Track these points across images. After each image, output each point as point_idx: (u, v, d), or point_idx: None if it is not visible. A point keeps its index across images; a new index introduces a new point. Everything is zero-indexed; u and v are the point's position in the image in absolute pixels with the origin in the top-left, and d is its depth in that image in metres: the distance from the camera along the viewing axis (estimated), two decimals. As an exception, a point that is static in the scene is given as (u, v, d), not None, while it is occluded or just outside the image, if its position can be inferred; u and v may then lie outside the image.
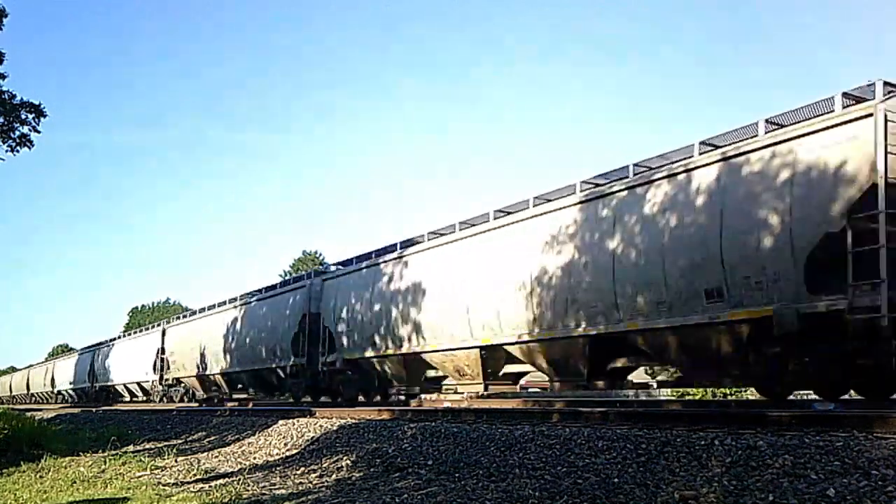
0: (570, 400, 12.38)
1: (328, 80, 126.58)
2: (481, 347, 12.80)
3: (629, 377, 11.99)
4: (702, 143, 9.68)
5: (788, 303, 8.21)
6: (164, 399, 28.41)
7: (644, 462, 5.71)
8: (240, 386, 23.84)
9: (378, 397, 18.02)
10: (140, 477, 8.58)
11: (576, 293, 10.83)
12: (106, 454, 10.98)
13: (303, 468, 8.17)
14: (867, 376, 8.64)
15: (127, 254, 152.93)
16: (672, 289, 9.46)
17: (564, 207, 11.39)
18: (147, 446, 12.25)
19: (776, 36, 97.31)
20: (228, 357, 23.06)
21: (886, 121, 7.63)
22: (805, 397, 11.08)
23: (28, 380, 54.61)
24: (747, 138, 9.08)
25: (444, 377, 15.51)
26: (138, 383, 31.38)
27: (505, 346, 12.36)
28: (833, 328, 7.98)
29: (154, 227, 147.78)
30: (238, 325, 22.82)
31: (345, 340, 16.78)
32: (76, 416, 23.37)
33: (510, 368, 13.45)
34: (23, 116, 15.17)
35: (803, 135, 8.30)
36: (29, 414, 21.65)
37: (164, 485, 7.80)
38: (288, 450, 9.66)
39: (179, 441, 13.09)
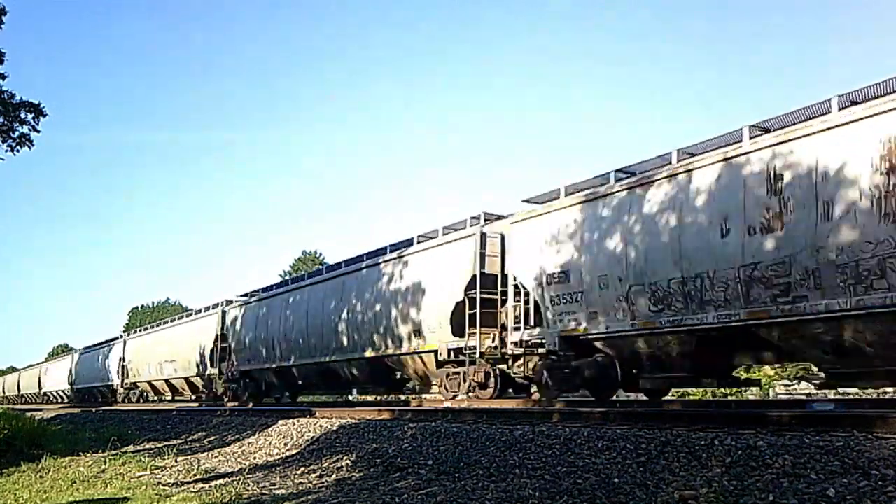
0: (569, 400, 12.36)
1: (328, 80, 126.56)
2: None
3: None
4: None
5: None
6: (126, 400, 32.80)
7: (644, 462, 5.71)
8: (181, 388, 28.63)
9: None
10: (140, 477, 8.58)
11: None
12: (106, 454, 10.98)
13: (303, 468, 8.16)
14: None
15: (127, 254, 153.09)
16: None
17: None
18: (147, 446, 12.24)
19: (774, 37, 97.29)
20: (169, 366, 28.65)
21: (484, 237, 13.59)
22: (802, 397, 11.10)
23: (19, 381, 60.20)
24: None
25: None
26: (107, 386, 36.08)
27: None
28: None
29: (154, 227, 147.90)
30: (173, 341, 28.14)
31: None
32: (76, 416, 23.35)
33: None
34: (22, 116, 15.16)
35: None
36: (29, 414, 21.65)
37: (164, 485, 7.80)
38: (288, 450, 9.66)
39: (179, 441, 13.09)
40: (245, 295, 24.26)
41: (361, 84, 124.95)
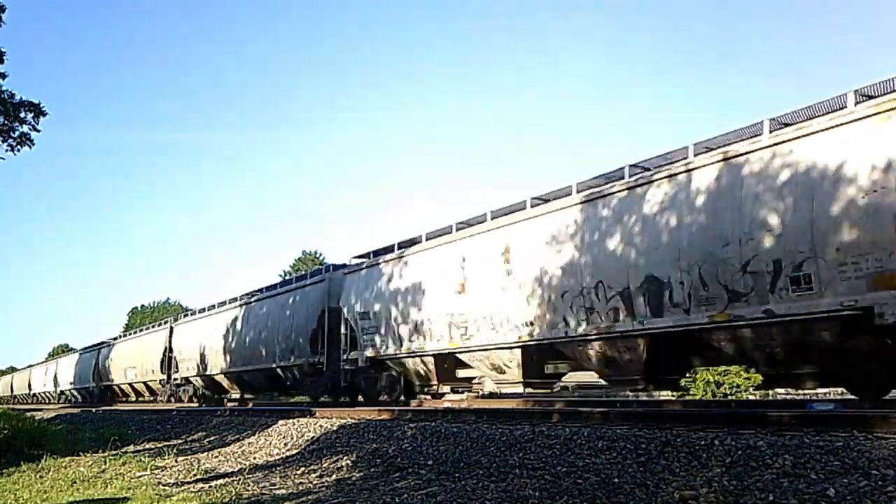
0: (570, 400, 12.37)
1: (328, 80, 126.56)
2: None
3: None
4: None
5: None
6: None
7: (644, 462, 5.71)
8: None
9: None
10: (140, 477, 8.57)
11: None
12: (106, 454, 10.98)
13: (303, 468, 8.16)
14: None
15: (127, 254, 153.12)
16: None
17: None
18: (147, 446, 12.24)
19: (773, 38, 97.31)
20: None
21: (331, 282, 19.29)
22: (804, 397, 11.10)
23: (12, 383, 65.44)
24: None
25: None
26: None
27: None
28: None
29: (154, 227, 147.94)
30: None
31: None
32: (76, 416, 23.36)
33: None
34: (22, 115, 15.16)
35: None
36: (29, 414, 21.66)
37: (164, 485, 7.79)
38: (288, 450, 9.66)
39: (179, 441, 13.09)
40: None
41: (361, 84, 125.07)
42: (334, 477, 7.41)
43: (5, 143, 15.16)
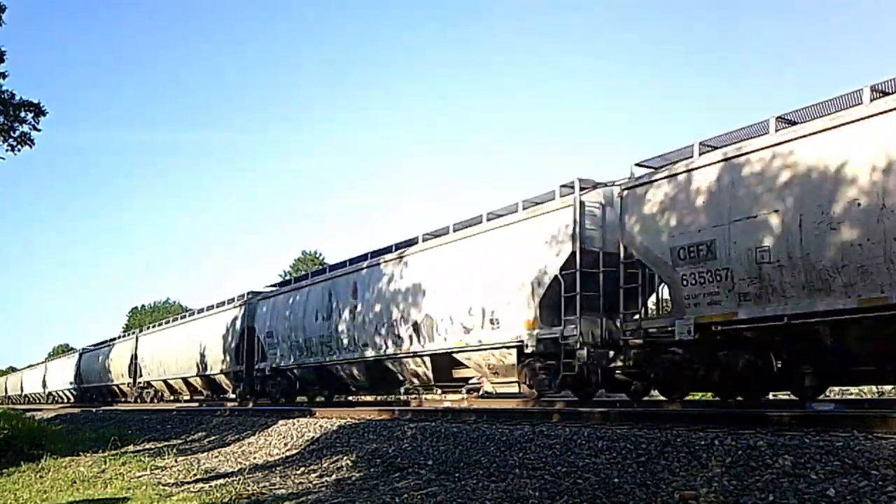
0: (570, 400, 12.35)
1: (328, 80, 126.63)
2: None
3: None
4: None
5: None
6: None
7: (644, 462, 5.71)
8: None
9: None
10: (140, 477, 8.58)
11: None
12: (106, 454, 10.98)
13: (303, 468, 8.16)
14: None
15: (127, 254, 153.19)
16: None
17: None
18: (147, 446, 12.24)
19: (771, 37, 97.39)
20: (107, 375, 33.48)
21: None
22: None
23: (6, 384, 70.22)
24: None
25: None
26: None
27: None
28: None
29: (154, 227, 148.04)
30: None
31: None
32: (76, 416, 23.37)
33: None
34: (22, 115, 15.17)
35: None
36: (28, 414, 21.66)
37: (164, 485, 7.80)
38: (288, 450, 9.66)
39: (179, 441, 13.09)
40: (156, 323, 32.98)
41: (361, 84, 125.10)
42: (334, 477, 7.41)
43: (5, 143, 15.19)
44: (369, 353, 16.43)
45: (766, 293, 8.85)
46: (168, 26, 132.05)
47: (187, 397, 29.76)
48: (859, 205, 7.96)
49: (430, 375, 14.66)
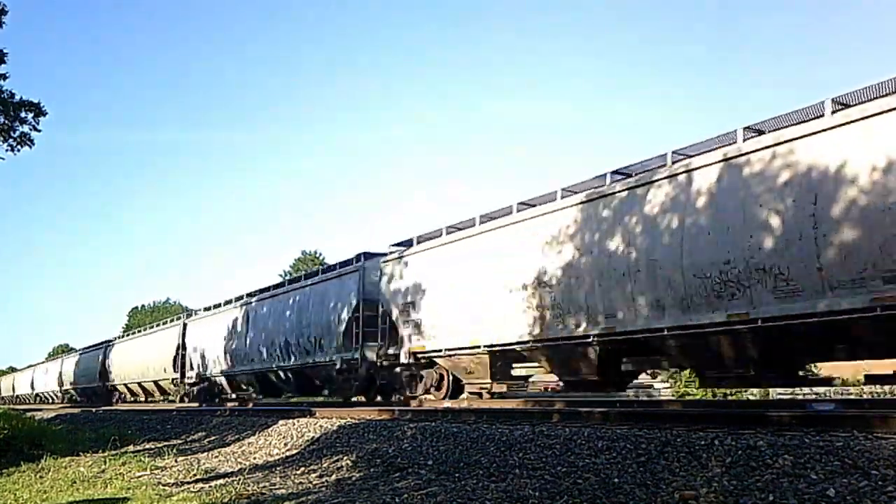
0: (570, 400, 12.37)
1: (328, 80, 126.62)
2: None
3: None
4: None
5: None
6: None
7: (644, 462, 5.71)
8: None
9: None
10: (140, 477, 8.58)
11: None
12: (106, 454, 10.98)
13: (303, 468, 8.16)
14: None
15: (127, 254, 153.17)
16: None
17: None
18: (147, 446, 12.24)
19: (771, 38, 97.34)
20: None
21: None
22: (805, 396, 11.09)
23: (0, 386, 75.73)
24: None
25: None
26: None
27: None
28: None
29: (154, 227, 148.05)
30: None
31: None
32: (76, 416, 23.36)
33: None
34: (22, 115, 15.16)
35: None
36: (29, 414, 21.66)
37: (164, 485, 7.80)
38: (288, 450, 9.66)
39: (179, 441, 13.09)
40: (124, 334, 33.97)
41: (361, 84, 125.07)
42: (334, 477, 7.41)
43: (5, 143, 15.18)
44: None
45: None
46: (168, 26, 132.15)
47: (142, 398, 33.73)
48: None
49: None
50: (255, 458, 9.60)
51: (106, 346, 38.07)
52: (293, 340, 19.96)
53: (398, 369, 15.68)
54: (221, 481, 7.61)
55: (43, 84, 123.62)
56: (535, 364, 12.72)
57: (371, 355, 16.38)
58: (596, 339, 10.85)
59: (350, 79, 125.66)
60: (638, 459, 5.79)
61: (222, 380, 24.99)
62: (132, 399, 34.54)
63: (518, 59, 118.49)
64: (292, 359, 20.08)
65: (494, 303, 12.65)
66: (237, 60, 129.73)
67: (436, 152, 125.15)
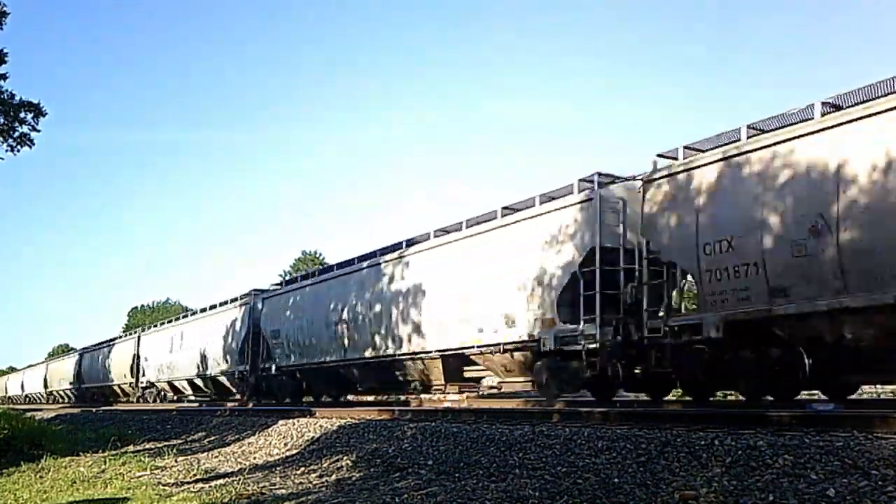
0: (570, 400, 12.34)
1: (328, 80, 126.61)
2: None
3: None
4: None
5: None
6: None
7: (644, 462, 5.71)
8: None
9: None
10: (140, 477, 8.58)
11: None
12: (106, 454, 10.98)
13: (303, 468, 8.16)
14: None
15: (127, 254, 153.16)
16: None
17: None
18: (147, 446, 12.24)
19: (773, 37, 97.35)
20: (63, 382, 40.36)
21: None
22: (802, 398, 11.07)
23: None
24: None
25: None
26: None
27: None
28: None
29: (154, 227, 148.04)
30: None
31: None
32: (76, 416, 23.37)
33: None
34: (22, 116, 15.16)
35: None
36: (29, 414, 21.67)
37: (164, 485, 7.80)
38: (288, 450, 9.66)
39: (179, 441, 13.09)
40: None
41: (361, 84, 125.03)
42: (334, 477, 7.41)
43: (5, 143, 15.17)
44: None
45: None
46: (168, 26, 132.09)
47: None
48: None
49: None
50: (255, 458, 9.60)
51: (81, 353, 44.17)
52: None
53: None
54: (221, 481, 7.61)
55: (43, 84, 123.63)
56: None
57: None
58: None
59: (350, 79, 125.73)
60: (638, 459, 5.79)
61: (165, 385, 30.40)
62: (101, 399, 38.58)
63: (518, 59, 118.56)
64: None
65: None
66: (237, 60, 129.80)
67: (436, 152, 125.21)
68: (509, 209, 13.35)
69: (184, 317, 30.76)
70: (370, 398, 21.21)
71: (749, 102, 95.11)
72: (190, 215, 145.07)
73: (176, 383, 29.31)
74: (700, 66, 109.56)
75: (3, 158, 15.31)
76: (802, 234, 8.54)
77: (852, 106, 8.65)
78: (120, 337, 37.86)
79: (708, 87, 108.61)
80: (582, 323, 11.18)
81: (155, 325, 35.16)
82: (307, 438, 9.90)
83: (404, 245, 16.12)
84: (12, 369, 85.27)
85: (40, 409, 31.09)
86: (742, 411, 8.21)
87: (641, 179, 10.98)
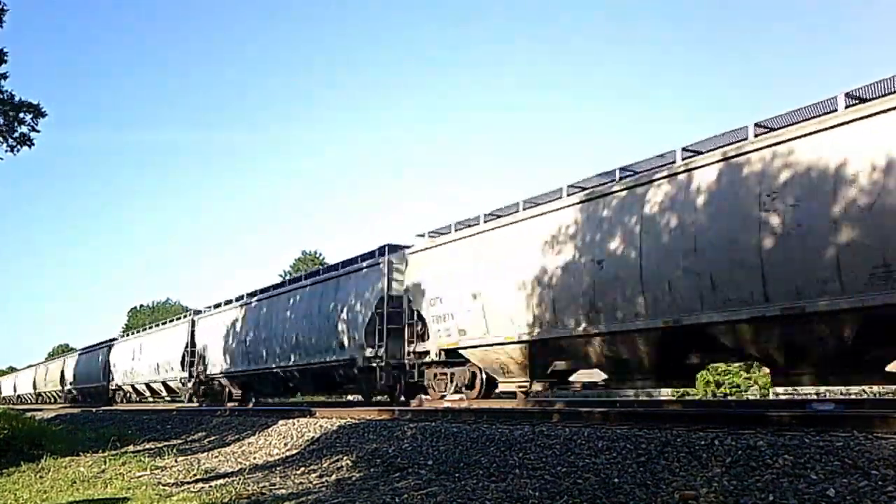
0: (569, 400, 12.36)
1: (328, 80, 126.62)
2: None
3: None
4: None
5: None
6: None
7: (644, 462, 5.71)
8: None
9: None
10: (140, 477, 8.58)
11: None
12: (106, 454, 10.98)
13: (303, 468, 8.16)
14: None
15: (127, 254, 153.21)
16: None
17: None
18: (147, 446, 12.24)
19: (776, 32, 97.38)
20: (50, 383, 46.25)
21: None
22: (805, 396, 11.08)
23: None
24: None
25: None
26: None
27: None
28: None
29: (154, 227, 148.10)
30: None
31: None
32: (76, 417, 23.37)
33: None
34: (22, 116, 15.15)
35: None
36: (29, 414, 21.67)
37: (164, 485, 7.80)
38: (288, 450, 9.66)
39: (179, 441, 13.09)
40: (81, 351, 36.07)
41: (362, 84, 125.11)
42: (334, 477, 7.41)
43: (5, 144, 15.16)
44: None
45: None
46: (168, 26, 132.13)
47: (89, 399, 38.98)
48: None
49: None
50: (255, 458, 9.60)
51: (65, 358, 48.91)
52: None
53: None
54: (221, 481, 7.62)
55: (43, 84, 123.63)
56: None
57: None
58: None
59: (350, 79, 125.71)
60: (638, 459, 5.79)
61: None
62: (81, 399, 42.15)
63: (518, 59, 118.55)
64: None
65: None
66: (237, 60, 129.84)
67: (436, 152, 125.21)
68: (332, 267, 19.26)
69: (143, 331, 35.34)
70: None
71: (749, 102, 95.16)
72: (190, 215, 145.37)
73: (137, 386, 33.85)
74: (700, 67, 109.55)
75: (2, 159, 15.32)
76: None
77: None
78: (98, 345, 41.10)
79: (707, 87, 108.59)
80: (376, 348, 15.75)
81: (123, 337, 40.48)
82: (307, 438, 9.90)
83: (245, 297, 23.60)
84: (12, 369, 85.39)
85: (40, 410, 31.11)
86: (742, 411, 8.22)
87: (405, 252, 15.66)
